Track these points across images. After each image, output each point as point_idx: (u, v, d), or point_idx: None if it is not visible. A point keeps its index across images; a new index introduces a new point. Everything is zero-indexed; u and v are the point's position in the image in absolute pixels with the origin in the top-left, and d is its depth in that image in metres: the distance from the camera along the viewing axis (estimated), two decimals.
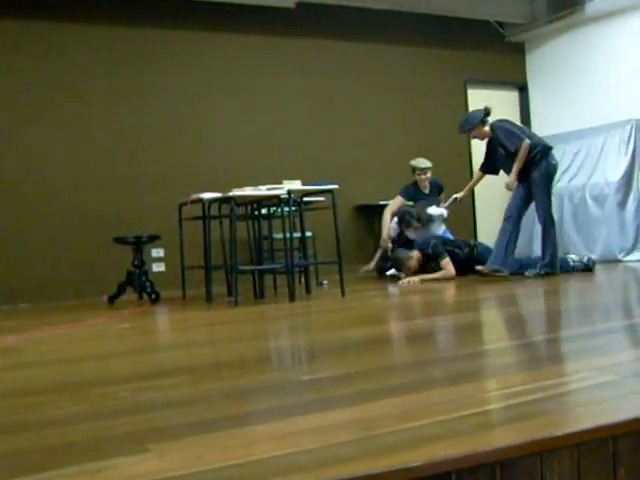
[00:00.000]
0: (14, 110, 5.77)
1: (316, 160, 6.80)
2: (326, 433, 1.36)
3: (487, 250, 5.40)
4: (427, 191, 6.24)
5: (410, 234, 5.86)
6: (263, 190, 4.65)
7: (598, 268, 5.53)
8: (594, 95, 7.32)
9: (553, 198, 5.28)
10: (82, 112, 6.00)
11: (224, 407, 1.68)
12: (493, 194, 7.11)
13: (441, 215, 5.92)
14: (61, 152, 5.91)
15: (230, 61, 6.62)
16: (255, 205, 5.16)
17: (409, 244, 5.81)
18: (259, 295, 4.91)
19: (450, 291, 4.76)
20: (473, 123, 5.28)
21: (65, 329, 3.72)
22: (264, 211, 5.34)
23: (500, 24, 7.90)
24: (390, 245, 6.04)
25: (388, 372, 2.00)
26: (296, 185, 4.78)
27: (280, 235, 4.91)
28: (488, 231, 7.03)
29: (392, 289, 5.14)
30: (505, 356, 2.22)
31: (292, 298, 4.50)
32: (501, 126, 5.25)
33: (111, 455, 1.32)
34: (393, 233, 6.07)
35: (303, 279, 5.38)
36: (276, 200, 4.82)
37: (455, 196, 5.70)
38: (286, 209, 4.74)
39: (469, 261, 5.41)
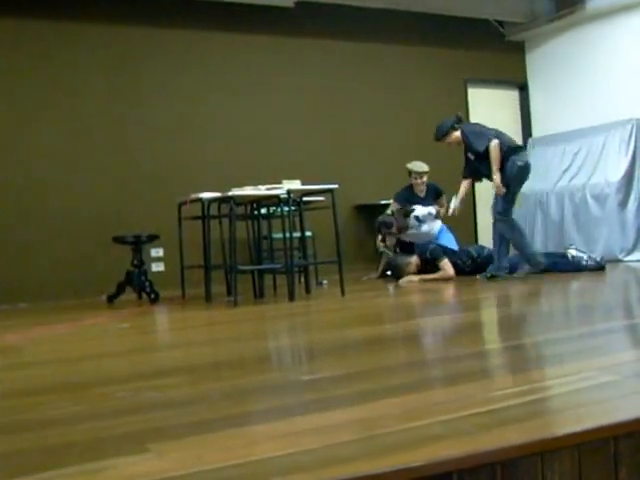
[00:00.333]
0: (12, 108, 5.76)
1: (316, 159, 6.80)
2: (327, 433, 1.36)
3: (491, 254, 5.40)
4: (423, 195, 6.21)
5: (404, 237, 5.89)
6: (263, 190, 4.64)
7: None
8: (595, 94, 7.31)
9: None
10: (81, 111, 5.99)
11: (224, 407, 1.68)
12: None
13: (429, 214, 5.90)
14: (60, 151, 5.90)
15: (229, 60, 6.61)
16: (255, 205, 5.16)
17: (410, 248, 5.83)
18: (259, 295, 4.91)
19: (450, 291, 4.76)
20: (443, 130, 5.31)
21: (64, 329, 3.71)
22: (264, 211, 5.33)
23: (500, 23, 7.89)
24: (390, 252, 6.04)
25: (388, 372, 1.99)
26: (296, 185, 4.77)
27: (280, 235, 4.91)
28: (489, 234, 7.00)
29: (392, 289, 5.14)
30: (506, 356, 2.21)
31: (292, 298, 4.50)
32: (469, 128, 5.26)
33: (111, 455, 1.32)
34: (394, 239, 6.08)
35: (303, 279, 5.37)
36: (276, 200, 4.81)
37: (452, 207, 5.41)
38: (286, 209, 4.74)
39: (476, 271, 5.39)
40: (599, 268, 5.25)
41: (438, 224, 6.03)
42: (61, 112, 5.92)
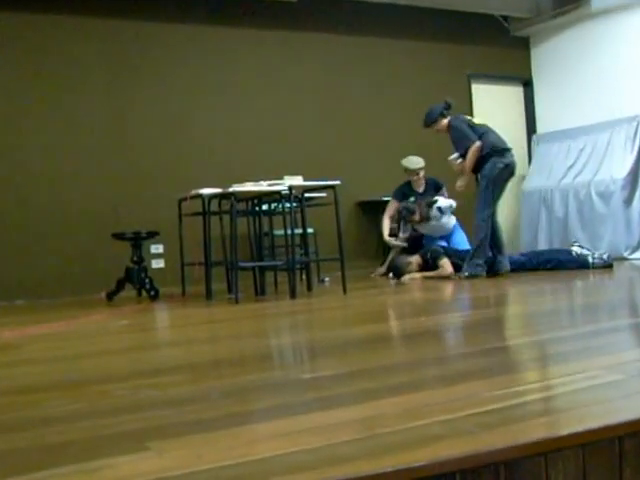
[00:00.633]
0: (9, 103, 5.75)
1: (318, 155, 6.78)
2: (328, 432, 1.34)
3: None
4: (421, 190, 6.17)
5: (421, 229, 5.87)
6: (264, 186, 4.62)
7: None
8: (600, 90, 7.28)
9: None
10: (80, 106, 5.98)
11: (225, 405, 1.67)
12: None
13: (450, 206, 5.86)
14: (58, 147, 5.89)
15: (230, 54, 6.59)
16: (256, 201, 5.14)
17: (418, 245, 5.80)
18: (260, 292, 4.89)
19: (453, 289, 4.74)
20: (432, 117, 5.27)
21: (63, 326, 3.70)
22: (265, 207, 5.31)
23: (505, 18, 7.87)
24: (401, 244, 6.03)
25: (390, 370, 1.98)
26: (297, 181, 4.75)
27: (281, 231, 4.89)
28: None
29: (394, 287, 5.12)
30: (509, 354, 2.20)
31: (293, 295, 4.48)
32: (455, 126, 5.19)
33: (110, 453, 1.30)
34: (403, 234, 6.06)
35: (304, 276, 5.36)
36: (277, 196, 4.79)
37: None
38: (287, 205, 4.72)
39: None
40: (606, 266, 5.24)
41: (453, 219, 6.00)
42: (60, 107, 5.90)
